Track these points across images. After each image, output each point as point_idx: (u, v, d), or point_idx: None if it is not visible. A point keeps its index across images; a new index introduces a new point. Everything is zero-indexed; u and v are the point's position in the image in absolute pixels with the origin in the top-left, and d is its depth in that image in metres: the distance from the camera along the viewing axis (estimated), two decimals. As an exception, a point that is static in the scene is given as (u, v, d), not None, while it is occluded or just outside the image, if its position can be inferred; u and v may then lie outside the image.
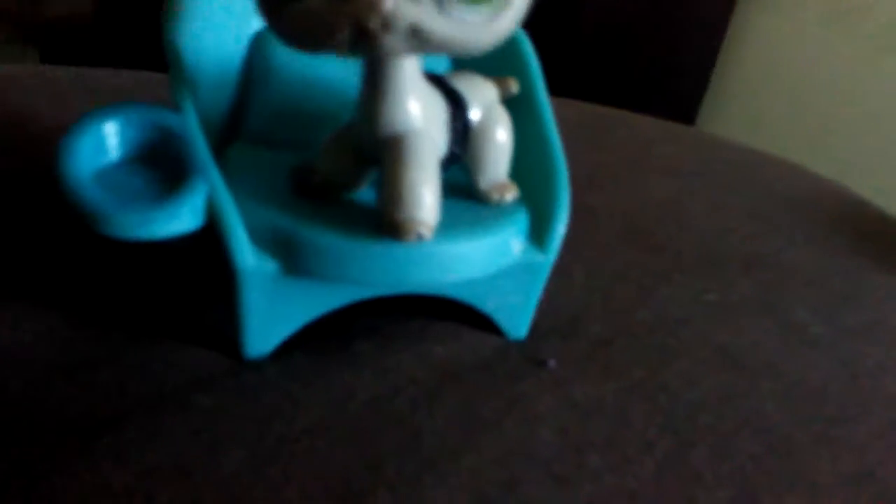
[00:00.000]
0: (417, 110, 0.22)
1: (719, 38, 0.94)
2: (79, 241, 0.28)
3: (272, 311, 0.24)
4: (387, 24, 0.17)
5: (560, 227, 0.26)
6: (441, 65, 0.29)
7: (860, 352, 0.31)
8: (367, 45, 0.18)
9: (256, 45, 0.27)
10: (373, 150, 0.22)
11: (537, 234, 0.26)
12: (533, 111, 0.28)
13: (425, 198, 0.21)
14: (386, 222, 0.21)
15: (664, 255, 0.36)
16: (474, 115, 0.25)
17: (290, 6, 0.18)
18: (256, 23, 0.27)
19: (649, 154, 0.50)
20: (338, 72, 0.26)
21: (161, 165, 0.23)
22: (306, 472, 0.22)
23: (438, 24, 0.18)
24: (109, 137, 0.23)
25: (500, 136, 0.25)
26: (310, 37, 0.18)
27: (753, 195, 0.46)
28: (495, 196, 0.26)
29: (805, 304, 0.34)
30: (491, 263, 0.25)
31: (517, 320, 0.28)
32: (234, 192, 0.23)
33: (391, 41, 0.18)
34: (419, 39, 0.18)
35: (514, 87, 0.28)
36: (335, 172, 0.24)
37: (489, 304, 0.27)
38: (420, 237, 0.21)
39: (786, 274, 0.36)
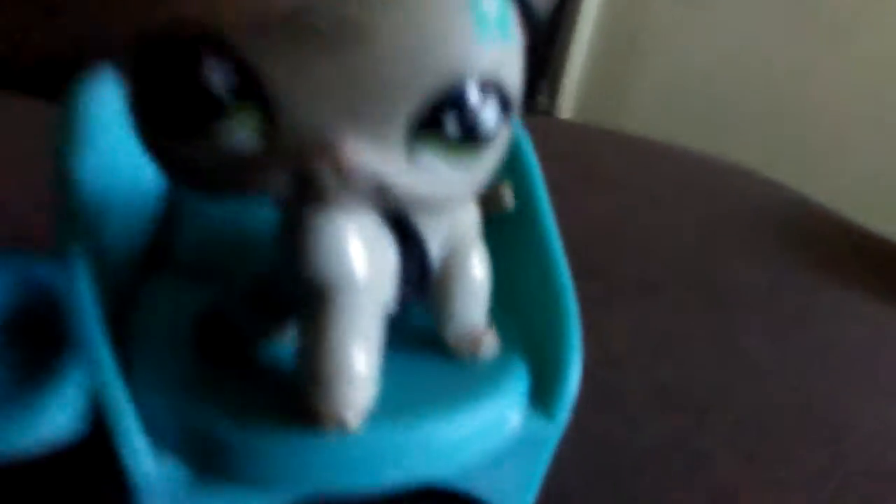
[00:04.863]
0: (353, 255, 0.15)
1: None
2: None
3: None
4: (345, 180, 0.13)
5: (573, 384, 0.19)
6: None
7: (811, 379, 0.30)
8: (311, 199, 0.13)
9: None
10: (291, 300, 0.17)
11: (541, 394, 0.19)
12: (530, 228, 0.22)
13: (353, 372, 0.15)
14: (301, 404, 0.16)
15: (607, 280, 0.35)
16: (436, 251, 0.18)
17: (193, 144, 0.12)
18: None
19: (593, 166, 0.48)
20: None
21: (29, 338, 0.17)
22: None
23: (407, 180, 0.13)
24: None
25: (473, 277, 0.19)
26: (221, 183, 0.13)
27: (701, 207, 0.44)
28: (467, 350, 0.19)
29: (755, 328, 0.33)
30: (479, 446, 0.18)
31: (516, 501, 0.21)
32: (132, 365, 0.17)
33: (346, 198, 0.13)
34: (381, 197, 0.13)
35: (507, 198, 0.21)
36: (245, 324, 0.18)
37: (478, 489, 0.21)
38: (342, 426, 0.15)
39: (734, 295, 0.35)
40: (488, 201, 0.20)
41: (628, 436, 0.25)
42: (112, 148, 0.19)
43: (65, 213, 0.18)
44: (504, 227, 0.20)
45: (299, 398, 0.16)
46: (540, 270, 0.21)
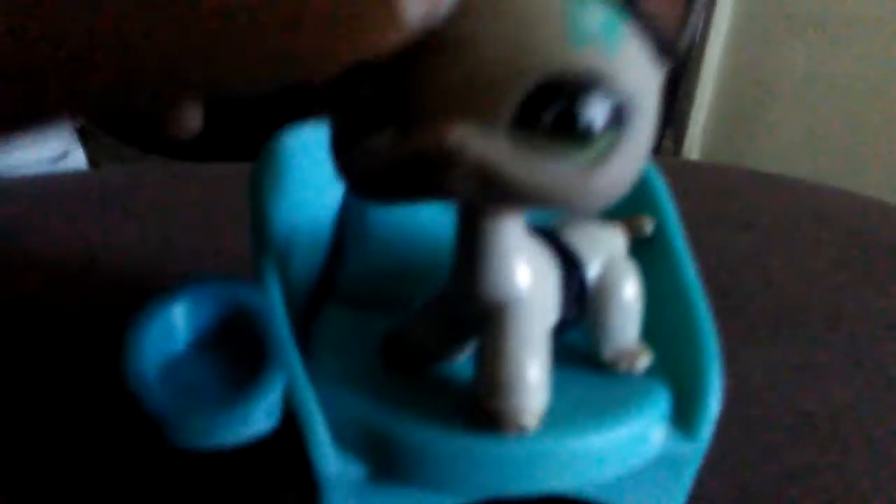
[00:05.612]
0: (522, 276, 0.18)
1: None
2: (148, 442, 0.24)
3: None
4: (452, 160, 0.14)
5: (713, 405, 0.21)
6: None
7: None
8: (435, 190, 0.15)
9: (349, 198, 0.25)
10: (470, 319, 0.19)
11: (683, 415, 0.21)
12: (666, 257, 0.23)
13: (529, 380, 0.18)
14: (481, 410, 0.18)
15: (746, 316, 0.35)
16: (593, 272, 0.21)
17: (355, 149, 0.16)
18: None
19: (728, 204, 0.48)
20: (442, 224, 0.22)
21: (234, 350, 0.21)
22: None
23: (515, 168, 0.15)
24: (178, 322, 0.21)
25: (627, 296, 0.21)
26: (374, 181, 0.16)
27: (838, 241, 0.43)
28: (623, 365, 0.21)
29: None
30: (624, 461, 0.20)
31: None
32: (317, 377, 0.20)
33: (461, 185, 0.15)
34: (494, 186, 0.15)
35: (647, 226, 0.24)
36: (429, 344, 0.21)
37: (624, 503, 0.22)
38: (522, 429, 0.18)
39: (876, 326, 0.34)
40: (629, 229, 0.23)
41: (766, 463, 0.26)
42: (299, 197, 0.23)
43: (260, 247, 0.22)
44: (642, 256, 0.22)
45: (478, 405, 0.18)
46: (674, 296, 0.22)
